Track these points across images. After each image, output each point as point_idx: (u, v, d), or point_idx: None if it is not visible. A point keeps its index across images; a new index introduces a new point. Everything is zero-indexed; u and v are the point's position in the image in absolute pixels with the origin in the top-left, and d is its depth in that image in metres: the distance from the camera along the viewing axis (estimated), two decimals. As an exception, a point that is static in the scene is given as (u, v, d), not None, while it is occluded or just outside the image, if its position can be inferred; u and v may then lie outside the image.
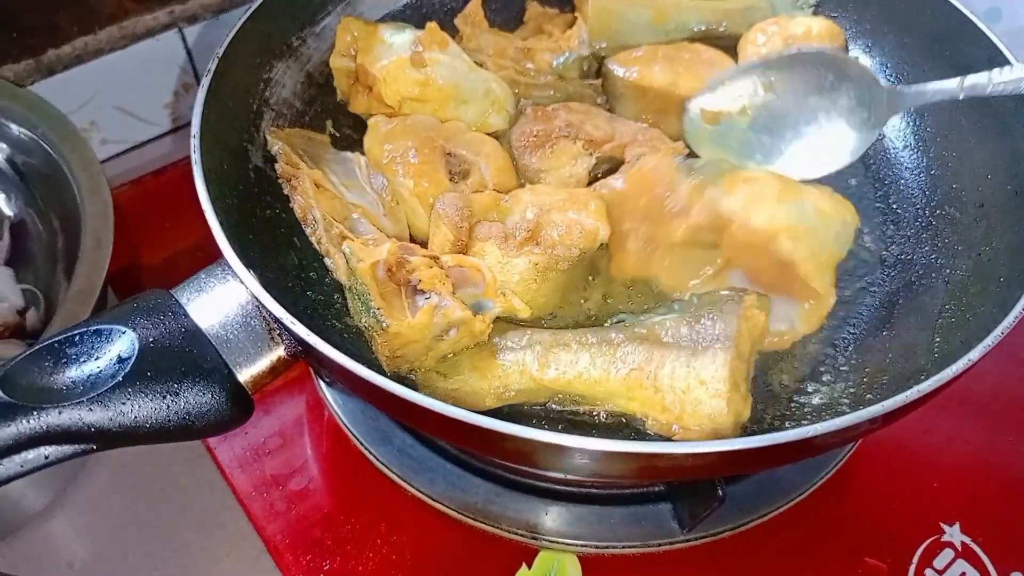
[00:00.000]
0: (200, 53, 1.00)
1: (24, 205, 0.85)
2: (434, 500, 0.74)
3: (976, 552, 0.75)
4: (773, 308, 0.66)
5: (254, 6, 0.74)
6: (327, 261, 0.66)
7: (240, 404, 0.57)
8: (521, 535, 0.72)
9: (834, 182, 0.70)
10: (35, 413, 0.50)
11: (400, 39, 0.76)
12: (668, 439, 0.59)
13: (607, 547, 0.72)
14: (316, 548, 0.72)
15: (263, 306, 0.56)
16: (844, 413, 0.52)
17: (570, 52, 0.82)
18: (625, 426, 0.62)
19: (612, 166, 0.72)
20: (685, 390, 0.58)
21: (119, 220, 0.75)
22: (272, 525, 0.74)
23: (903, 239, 0.75)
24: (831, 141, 0.70)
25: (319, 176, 0.69)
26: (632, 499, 0.73)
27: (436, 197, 0.67)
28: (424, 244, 0.67)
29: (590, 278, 0.69)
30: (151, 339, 0.55)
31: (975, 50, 0.73)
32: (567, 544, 0.72)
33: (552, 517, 0.73)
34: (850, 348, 0.68)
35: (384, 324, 0.58)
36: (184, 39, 0.98)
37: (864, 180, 0.80)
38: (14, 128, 0.81)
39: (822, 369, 0.67)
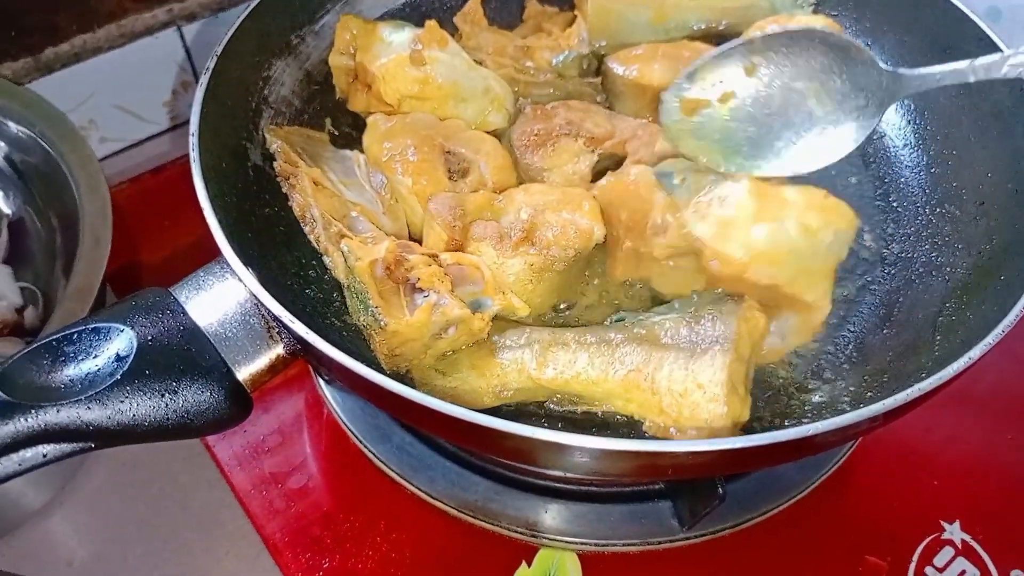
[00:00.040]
0: (199, 51, 1.00)
1: (23, 203, 0.85)
2: (433, 498, 0.73)
3: (976, 550, 0.75)
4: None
5: (253, 4, 0.74)
6: (326, 259, 0.66)
7: (239, 402, 0.57)
8: (521, 533, 0.72)
9: (833, 180, 0.69)
10: (33, 411, 0.50)
11: (399, 37, 0.75)
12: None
13: (607, 545, 0.72)
14: (315, 546, 0.72)
15: (262, 304, 0.56)
16: (844, 411, 0.51)
17: (570, 50, 0.82)
18: (624, 425, 0.62)
19: (615, 162, 0.72)
20: (683, 393, 0.58)
21: (117, 218, 0.74)
22: (271, 523, 0.74)
23: (903, 237, 0.75)
24: (825, 131, 0.64)
25: (318, 174, 0.69)
26: (632, 497, 0.73)
27: (430, 196, 0.67)
28: (423, 242, 0.67)
29: (587, 274, 0.69)
30: (149, 337, 0.55)
31: (976, 49, 0.73)
32: (567, 542, 0.72)
33: (552, 515, 0.73)
34: (850, 346, 0.68)
35: (382, 322, 0.58)
36: (183, 37, 0.98)
37: (864, 178, 0.80)
38: (12, 126, 0.81)
39: (822, 367, 0.67)
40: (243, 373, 0.57)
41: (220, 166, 0.66)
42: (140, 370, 0.53)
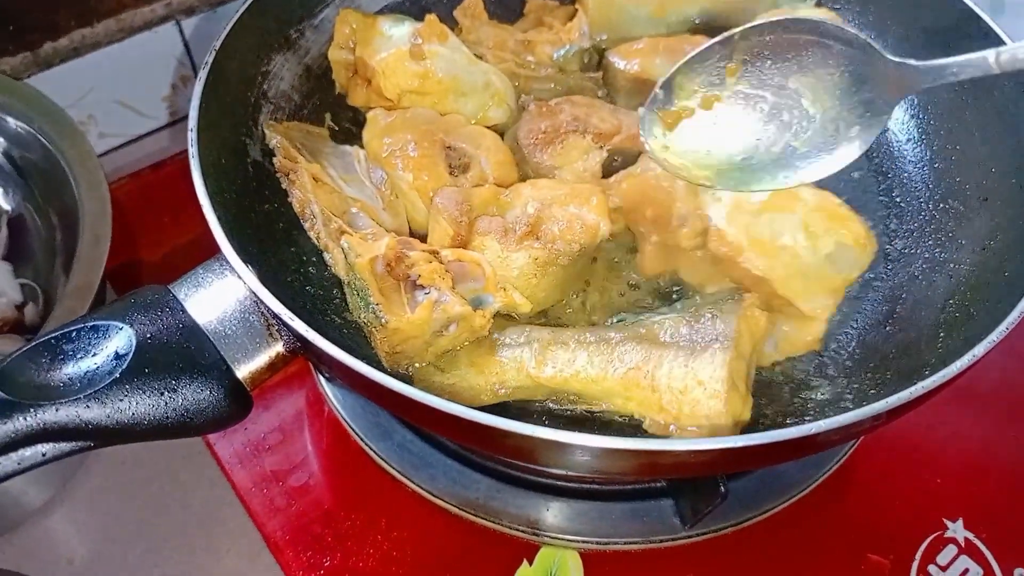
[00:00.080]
0: (198, 46, 1.00)
1: (22, 200, 0.84)
2: (435, 496, 0.73)
3: (979, 548, 0.74)
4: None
5: (251, -2, 0.73)
6: (326, 256, 0.66)
7: (239, 401, 0.57)
8: (522, 531, 0.72)
9: (836, 175, 0.69)
10: (32, 410, 0.50)
11: (399, 31, 0.75)
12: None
13: (609, 543, 0.72)
14: (316, 544, 0.72)
15: (261, 302, 0.56)
16: (847, 409, 0.51)
17: (570, 45, 0.81)
18: (625, 424, 0.61)
19: (626, 157, 0.71)
20: (683, 390, 0.57)
21: (117, 215, 0.74)
22: (272, 521, 0.74)
23: (907, 233, 0.74)
24: (824, 135, 0.58)
25: (317, 170, 0.69)
26: (634, 495, 0.73)
27: (435, 191, 0.67)
28: (424, 238, 0.67)
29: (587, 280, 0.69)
30: (149, 335, 0.54)
31: (980, 43, 0.72)
32: (568, 540, 0.72)
33: (553, 513, 0.72)
34: (853, 343, 0.68)
35: (383, 320, 0.58)
36: (182, 32, 0.98)
37: (867, 174, 0.79)
38: (11, 122, 0.81)
39: (825, 364, 0.67)
40: (243, 371, 0.57)
41: (219, 162, 0.66)
42: (139, 368, 0.53)
